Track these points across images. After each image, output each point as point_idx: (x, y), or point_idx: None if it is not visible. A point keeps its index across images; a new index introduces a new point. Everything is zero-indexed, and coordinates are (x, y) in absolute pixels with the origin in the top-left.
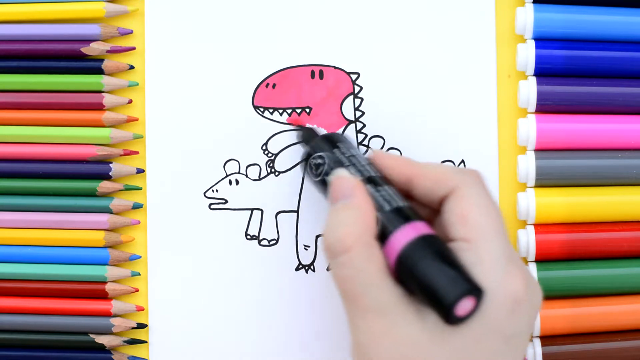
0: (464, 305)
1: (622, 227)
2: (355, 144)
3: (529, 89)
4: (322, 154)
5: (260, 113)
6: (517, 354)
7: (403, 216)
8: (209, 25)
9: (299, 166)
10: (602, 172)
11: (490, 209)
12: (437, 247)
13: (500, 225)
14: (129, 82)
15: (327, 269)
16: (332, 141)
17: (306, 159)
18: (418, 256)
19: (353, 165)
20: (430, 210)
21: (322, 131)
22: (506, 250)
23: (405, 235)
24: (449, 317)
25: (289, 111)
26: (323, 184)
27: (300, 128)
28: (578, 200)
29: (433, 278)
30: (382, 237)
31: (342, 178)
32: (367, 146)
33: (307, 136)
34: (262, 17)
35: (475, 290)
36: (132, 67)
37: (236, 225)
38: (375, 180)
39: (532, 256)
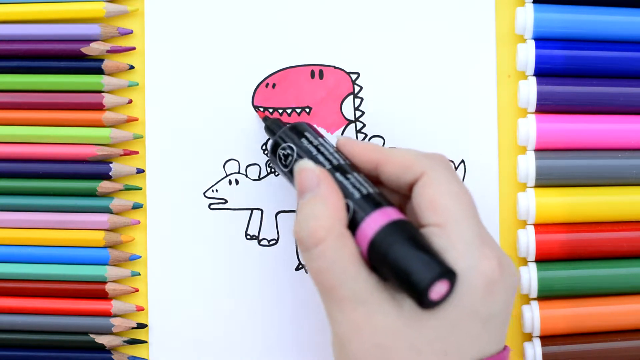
0: (438, 289)
1: (622, 227)
2: (322, 132)
3: (529, 89)
4: (290, 144)
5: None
6: (495, 336)
7: (373, 202)
8: (208, 25)
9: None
10: (602, 172)
11: (459, 192)
12: (409, 232)
13: (470, 208)
14: (129, 82)
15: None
16: (299, 131)
17: (274, 150)
18: (390, 242)
19: (321, 154)
20: (400, 195)
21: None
22: (478, 232)
23: (376, 221)
24: (424, 302)
25: (289, 111)
26: (292, 174)
27: (266, 119)
28: (578, 200)
29: (406, 263)
30: (354, 224)
31: (306, 170)
32: None
33: (274, 127)
34: (262, 17)
35: (448, 273)
36: (132, 67)
37: (236, 225)
38: (343, 167)
39: (532, 256)
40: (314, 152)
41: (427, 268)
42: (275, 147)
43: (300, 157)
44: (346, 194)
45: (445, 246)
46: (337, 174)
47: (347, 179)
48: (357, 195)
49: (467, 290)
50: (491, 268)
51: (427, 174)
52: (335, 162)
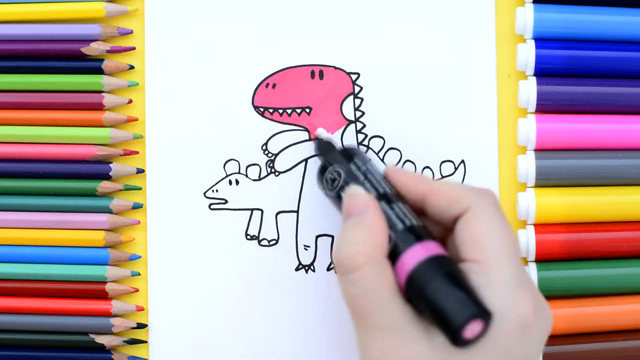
0: (472, 328)
1: (622, 227)
2: (371, 157)
3: (529, 89)
4: (338, 169)
5: (260, 113)
6: None
7: (415, 235)
8: (209, 25)
9: (300, 167)
10: (602, 172)
11: (502, 231)
12: (448, 268)
13: (512, 248)
14: (129, 82)
15: (328, 269)
16: (349, 155)
17: (322, 172)
18: (428, 277)
19: (368, 181)
20: (444, 227)
21: (337, 142)
22: (517, 273)
23: (416, 254)
24: (457, 340)
25: (289, 111)
26: (338, 198)
27: (318, 140)
28: (578, 200)
29: (442, 300)
30: (394, 255)
31: (355, 195)
32: (367, 146)
33: (324, 149)
34: (262, 17)
35: (483, 314)
36: (132, 67)
37: (236, 225)
38: (389, 196)
39: (532, 256)
40: (361, 178)
41: (463, 307)
42: (323, 169)
43: (347, 182)
44: (389, 224)
45: (483, 284)
46: (382, 203)
47: (392, 208)
48: (400, 226)
49: (501, 330)
50: (527, 310)
51: (473, 209)
52: (381, 190)
